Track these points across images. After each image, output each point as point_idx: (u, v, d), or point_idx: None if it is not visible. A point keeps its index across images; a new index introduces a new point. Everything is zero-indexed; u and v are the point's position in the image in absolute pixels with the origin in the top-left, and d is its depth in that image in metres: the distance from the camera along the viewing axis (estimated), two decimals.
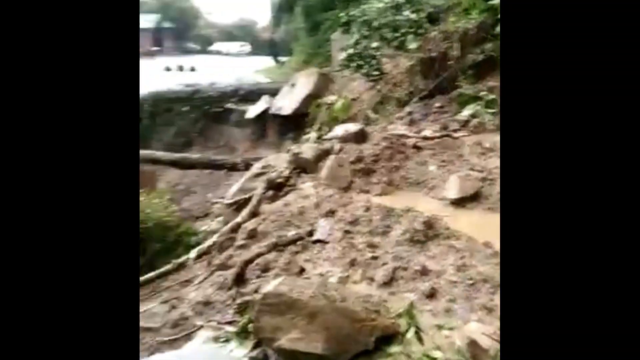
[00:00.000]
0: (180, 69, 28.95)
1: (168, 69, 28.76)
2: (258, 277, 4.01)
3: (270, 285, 2.87)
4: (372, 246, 4.03)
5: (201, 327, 3.47)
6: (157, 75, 24.91)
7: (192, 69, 28.14)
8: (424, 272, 3.56)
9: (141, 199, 7.59)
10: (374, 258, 3.85)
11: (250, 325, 3.00)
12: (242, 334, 3.09)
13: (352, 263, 3.83)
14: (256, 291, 3.40)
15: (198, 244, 5.78)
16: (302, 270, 3.87)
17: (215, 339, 3.18)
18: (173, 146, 14.56)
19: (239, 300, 3.47)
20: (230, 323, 3.33)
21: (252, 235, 4.82)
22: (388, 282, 3.53)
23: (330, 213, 4.68)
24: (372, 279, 3.61)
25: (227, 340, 3.13)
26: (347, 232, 4.32)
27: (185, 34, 48.89)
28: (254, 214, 5.25)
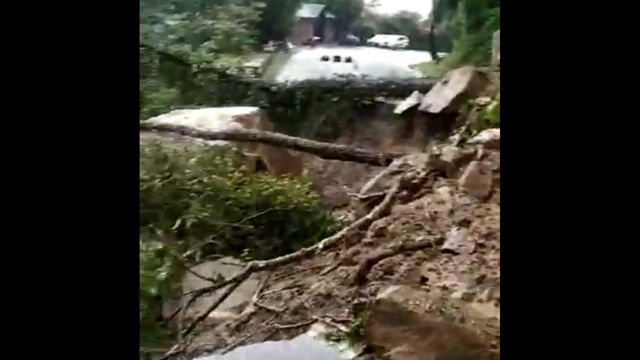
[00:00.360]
0: (337, 59, 29.57)
1: (325, 59, 29.59)
2: (380, 277, 3.92)
3: (385, 292, 2.78)
4: None
5: (316, 320, 3.49)
6: (313, 64, 25.81)
7: (348, 60, 28.57)
8: None
9: (284, 182, 7.91)
10: None
11: (362, 329, 2.94)
12: (354, 336, 3.03)
13: (481, 280, 3.56)
14: (373, 294, 3.32)
15: (333, 232, 5.84)
16: (425, 279, 3.70)
17: (327, 336, 3.16)
18: (321, 135, 14.91)
19: (355, 301, 3.43)
20: (344, 322, 3.30)
21: (381, 234, 4.74)
22: None
23: (465, 222, 4.40)
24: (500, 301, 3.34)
25: (338, 340, 3.10)
26: (480, 245, 4.03)
27: (346, 25, 49.95)
28: (385, 213, 5.16)
